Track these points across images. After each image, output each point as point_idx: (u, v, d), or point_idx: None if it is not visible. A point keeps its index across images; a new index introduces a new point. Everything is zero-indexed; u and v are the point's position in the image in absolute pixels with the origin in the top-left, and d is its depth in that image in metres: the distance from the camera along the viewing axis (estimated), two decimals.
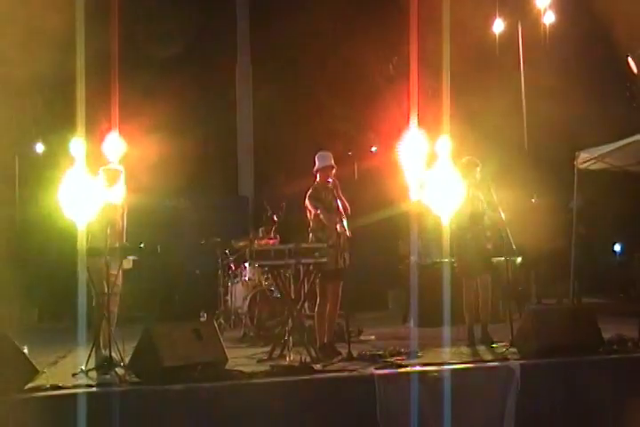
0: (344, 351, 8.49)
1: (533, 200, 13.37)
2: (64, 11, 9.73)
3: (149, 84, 14.44)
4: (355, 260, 9.06)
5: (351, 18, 15.32)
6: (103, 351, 8.03)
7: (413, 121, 9.20)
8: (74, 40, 9.40)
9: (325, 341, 8.87)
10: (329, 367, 7.86)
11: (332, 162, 9.06)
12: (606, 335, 8.67)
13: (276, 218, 11.48)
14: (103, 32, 10.58)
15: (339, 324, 9.32)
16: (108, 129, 9.27)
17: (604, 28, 13.84)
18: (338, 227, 8.75)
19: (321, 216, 8.89)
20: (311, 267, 8.75)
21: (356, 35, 15.12)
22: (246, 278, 11.40)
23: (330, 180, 8.94)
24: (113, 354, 7.80)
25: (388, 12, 15.04)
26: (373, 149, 16.55)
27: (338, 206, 8.80)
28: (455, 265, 9.72)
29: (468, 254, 9.40)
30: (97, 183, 8.41)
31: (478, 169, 9.49)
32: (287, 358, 8.37)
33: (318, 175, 9.10)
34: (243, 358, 8.62)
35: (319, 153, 9.18)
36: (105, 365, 7.76)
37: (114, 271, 8.22)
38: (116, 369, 7.64)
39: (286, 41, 16.25)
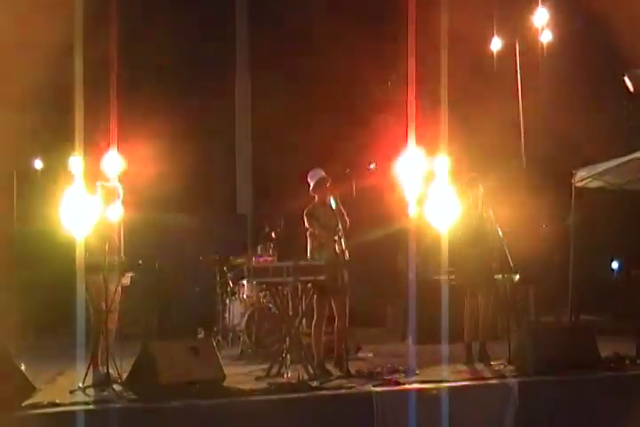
0: (342, 368, 8.51)
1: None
2: (62, 26, 9.75)
3: (148, 100, 14.47)
4: (353, 276, 9.06)
5: (350, 35, 15.37)
6: (101, 368, 8.01)
7: (411, 138, 9.20)
8: (72, 55, 9.43)
9: (335, 354, 8.95)
10: (327, 385, 7.84)
11: (324, 174, 9.11)
12: (604, 353, 8.67)
13: (274, 235, 11.49)
14: (102, 48, 10.61)
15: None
16: (107, 145, 9.27)
17: (601, 46, 13.93)
18: (336, 246, 8.77)
19: (316, 233, 8.93)
20: (309, 284, 8.76)
21: (355, 52, 15.17)
22: (244, 296, 11.40)
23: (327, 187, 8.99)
24: (110, 371, 7.79)
25: (386, 30, 15.10)
26: (372, 166, 16.56)
27: (337, 224, 8.82)
28: (457, 283, 9.72)
29: (471, 272, 9.39)
30: (94, 199, 8.40)
31: (481, 187, 9.53)
32: (285, 376, 8.36)
33: (316, 195, 9.14)
34: (240, 376, 8.61)
35: (309, 173, 9.23)
36: (102, 382, 7.74)
37: (112, 288, 8.22)
38: (114, 386, 7.63)
39: (285, 57, 16.31)
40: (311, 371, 8.36)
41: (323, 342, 8.96)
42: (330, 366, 8.79)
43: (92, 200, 8.30)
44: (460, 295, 9.51)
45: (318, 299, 8.84)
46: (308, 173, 9.29)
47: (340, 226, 8.81)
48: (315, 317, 8.93)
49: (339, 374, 8.45)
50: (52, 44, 10.19)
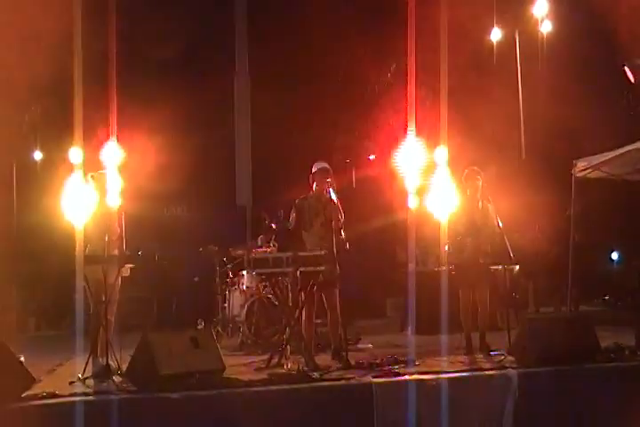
0: (341, 360, 8.51)
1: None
2: (62, 18, 9.74)
3: (148, 92, 14.43)
4: (352, 267, 9.06)
5: (349, 27, 15.34)
6: (100, 359, 8.02)
7: (411, 129, 9.20)
8: (72, 48, 9.42)
9: (332, 346, 8.96)
10: (326, 376, 7.84)
11: (327, 166, 9.12)
12: (603, 344, 8.67)
13: (274, 226, 11.48)
14: (102, 41, 10.58)
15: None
16: (106, 136, 9.27)
17: (601, 36, 13.91)
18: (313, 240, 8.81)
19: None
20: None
21: (354, 44, 15.14)
22: (244, 286, 11.40)
23: (328, 181, 8.99)
24: (110, 362, 7.79)
25: (385, 21, 15.07)
26: (371, 157, 16.55)
27: (323, 218, 8.84)
28: (452, 274, 9.73)
29: (465, 264, 9.39)
30: (89, 190, 8.37)
31: (480, 178, 9.50)
32: (285, 367, 8.36)
33: (315, 183, 9.14)
34: (240, 367, 8.61)
35: (315, 163, 9.24)
36: (102, 373, 7.75)
37: (112, 279, 8.21)
38: (113, 377, 7.64)
39: (284, 50, 16.27)
40: (311, 362, 8.35)
41: (313, 336, 9.02)
42: (328, 358, 8.81)
43: (89, 191, 8.29)
44: (456, 286, 9.52)
45: (308, 291, 8.85)
46: (307, 163, 9.29)
47: (333, 218, 8.79)
48: (305, 307, 8.94)
49: (338, 365, 8.45)
50: (51, 36, 10.16)
